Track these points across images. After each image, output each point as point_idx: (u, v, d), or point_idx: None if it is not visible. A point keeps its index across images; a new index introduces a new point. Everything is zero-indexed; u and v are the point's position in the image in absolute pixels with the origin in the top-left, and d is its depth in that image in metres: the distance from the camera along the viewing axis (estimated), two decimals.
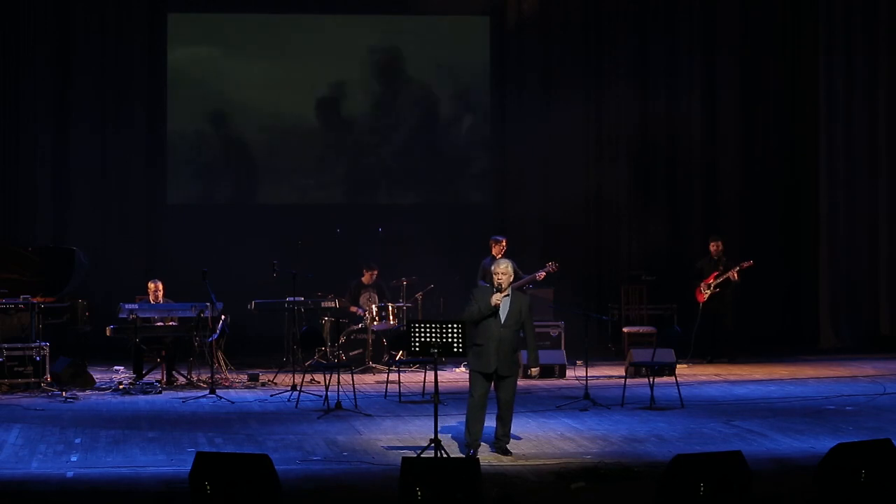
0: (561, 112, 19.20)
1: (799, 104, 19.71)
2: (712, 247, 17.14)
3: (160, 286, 15.25)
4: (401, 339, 13.98)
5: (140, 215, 18.78)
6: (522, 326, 10.51)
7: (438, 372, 10.65)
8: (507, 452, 10.49)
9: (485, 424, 10.55)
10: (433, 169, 19.67)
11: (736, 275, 16.79)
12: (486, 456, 10.34)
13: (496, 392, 10.51)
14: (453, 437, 11.09)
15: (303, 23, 19.46)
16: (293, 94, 19.30)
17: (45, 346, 14.31)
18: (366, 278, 16.75)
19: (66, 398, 13.62)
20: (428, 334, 10.01)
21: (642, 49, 19.54)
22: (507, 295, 10.41)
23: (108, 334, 14.87)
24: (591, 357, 14.23)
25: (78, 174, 18.57)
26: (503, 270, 10.40)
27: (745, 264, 16.82)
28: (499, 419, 10.58)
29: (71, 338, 15.69)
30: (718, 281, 16.86)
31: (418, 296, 16.61)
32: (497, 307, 10.35)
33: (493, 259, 16.09)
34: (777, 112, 19.78)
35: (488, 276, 15.56)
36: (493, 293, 10.38)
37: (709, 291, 16.87)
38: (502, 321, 10.38)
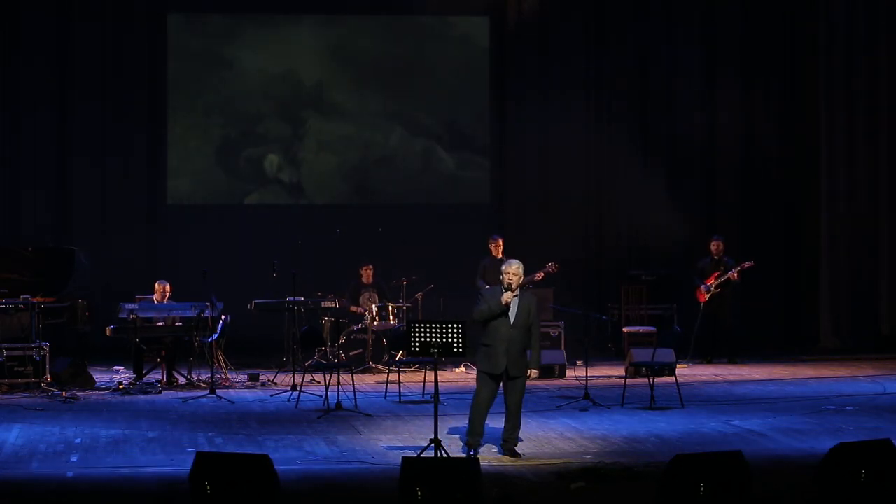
0: (560, 112, 19.18)
1: (800, 104, 19.68)
2: (713, 247, 17.13)
3: (167, 288, 15.23)
4: (401, 339, 13.97)
5: (140, 215, 18.75)
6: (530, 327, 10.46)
7: (438, 372, 10.64)
8: (515, 454, 10.45)
9: (490, 425, 10.55)
10: (433, 169, 19.64)
11: (736, 275, 16.79)
12: (486, 456, 10.34)
13: (505, 394, 10.49)
14: (454, 437, 11.08)
15: (303, 22, 19.45)
16: (293, 94, 19.30)
17: (45, 346, 14.29)
18: (363, 277, 16.76)
19: (66, 398, 13.61)
20: (428, 334, 10.01)
21: (643, 49, 19.53)
22: (517, 295, 10.39)
23: (108, 334, 14.86)
24: (591, 357, 14.23)
25: (78, 174, 18.55)
26: (514, 271, 10.36)
27: (746, 264, 16.81)
28: (508, 422, 10.53)
29: (71, 338, 15.68)
30: (719, 281, 16.85)
31: (418, 296, 16.60)
32: (507, 306, 10.33)
33: (493, 259, 16.09)
34: (778, 112, 19.75)
35: (488, 276, 15.64)
36: (503, 292, 10.36)
37: (709, 292, 16.86)
38: (511, 321, 10.35)
